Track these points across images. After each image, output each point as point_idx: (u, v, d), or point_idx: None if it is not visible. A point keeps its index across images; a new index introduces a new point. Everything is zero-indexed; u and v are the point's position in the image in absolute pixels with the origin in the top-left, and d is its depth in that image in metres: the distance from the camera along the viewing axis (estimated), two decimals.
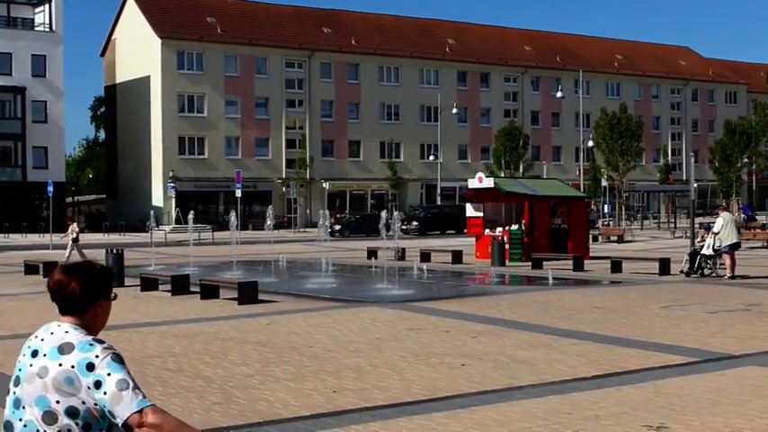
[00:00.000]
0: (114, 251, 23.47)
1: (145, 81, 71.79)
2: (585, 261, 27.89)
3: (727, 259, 23.19)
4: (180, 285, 20.48)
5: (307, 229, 66.55)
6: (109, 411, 3.30)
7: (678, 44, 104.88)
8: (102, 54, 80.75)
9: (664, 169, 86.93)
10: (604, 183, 70.38)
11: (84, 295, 3.52)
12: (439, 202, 72.97)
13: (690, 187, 31.78)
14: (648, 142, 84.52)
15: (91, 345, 3.37)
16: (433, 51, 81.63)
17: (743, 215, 50.85)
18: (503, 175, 64.40)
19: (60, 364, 3.34)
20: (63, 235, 36.84)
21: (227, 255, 32.92)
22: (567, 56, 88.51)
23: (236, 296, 18.55)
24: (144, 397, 3.33)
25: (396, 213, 29.20)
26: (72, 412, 3.32)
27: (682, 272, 23.89)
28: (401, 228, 36.89)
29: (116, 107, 77.83)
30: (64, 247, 33.36)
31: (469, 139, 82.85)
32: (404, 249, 32.59)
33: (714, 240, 23.47)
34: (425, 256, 31.39)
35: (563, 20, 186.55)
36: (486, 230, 32.29)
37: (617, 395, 9.43)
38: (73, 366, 3.32)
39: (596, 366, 11.05)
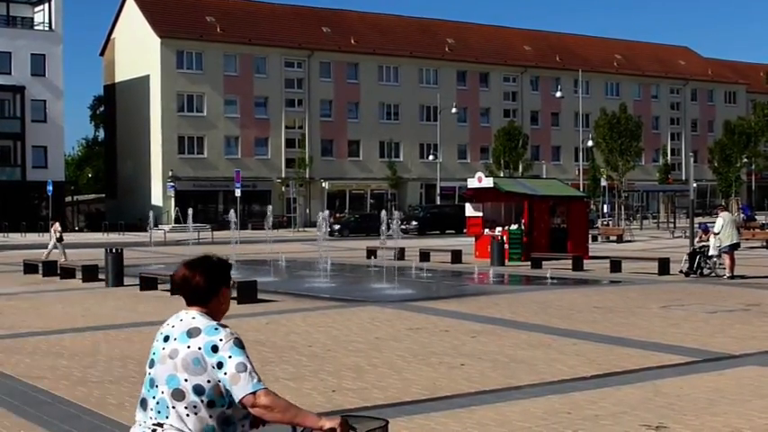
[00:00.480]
0: (113, 250, 23.44)
1: (144, 80, 71.77)
2: (585, 261, 27.89)
3: (726, 259, 23.19)
4: None
5: (306, 229, 66.54)
6: (227, 390, 3.69)
7: (677, 44, 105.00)
8: (102, 53, 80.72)
9: (663, 169, 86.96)
10: (604, 182, 70.39)
11: (208, 287, 3.91)
12: (438, 202, 72.98)
13: (689, 187, 31.77)
14: (648, 142, 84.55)
15: (216, 329, 3.79)
16: (433, 51, 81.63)
17: (742, 215, 50.83)
18: (502, 175, 64.44)
19: (189, 347, 3.74)
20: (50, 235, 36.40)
21: (227, 254, 32.88)
22: (566, 56, 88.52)
23: (236, 295, 18.54)
24: (259, 380, 3.70)
25: (395, 213, 29.20)
26: (198, 390, 3.70)
27: (681, 272, 23.90)
28: (400, 227, 36.92)
29: (115, 106, 77.81)
30: (56, 246, 33.23)
31: (469, 138, 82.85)
32: (403, 249, 32.59)
33: (714, 240, 23.48)
34: (425, 256, 31.40)
35: (562, 20, 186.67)
36: (486, 230, 32.29)
37: (616, 395, 9.43)
38: (200, 348, 3.73)
39: (595, 366, 11.05)
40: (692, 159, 35.60)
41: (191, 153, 70.82)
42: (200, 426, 3.71)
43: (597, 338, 13.22)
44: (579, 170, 74.78)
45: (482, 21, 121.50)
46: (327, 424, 3.76)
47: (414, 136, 79.32)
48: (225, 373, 3.69)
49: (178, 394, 3.72)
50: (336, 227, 58.70)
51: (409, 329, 14.43)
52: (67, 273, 25.64)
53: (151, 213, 40.89)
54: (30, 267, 27.58)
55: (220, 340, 3.73)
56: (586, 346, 12.63)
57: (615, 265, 25.79)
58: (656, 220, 71.91)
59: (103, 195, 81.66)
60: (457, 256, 30.67)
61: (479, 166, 70.72)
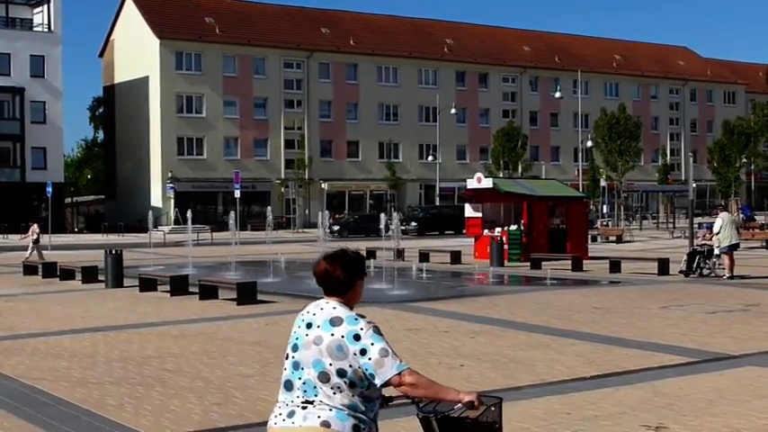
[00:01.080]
0: (113, 252, 23.43)
1: (143, 81, 71.76)
2: (584, 261, 27.89)
3: (725, 259, 23.20)
4: (179, 286, 20.48)
5: (305, 230, 66.53)
6: (370, 374, 4.14)
7: (676, 44, 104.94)
8: (101, 54, 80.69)
9: (662, 169, 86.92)
10: (603, 183, 70.36)
11: (347, 279, 4.35)
12: (438, 203, 72.98)
13: (688, 187, 31.77)
14: (647, 142, 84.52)
15: (356, 319, 4.24)
16: (432, 52, 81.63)
17: (742, 215, 50.85)
18: (501, 176, 64.42)
19: (332, 335, 4.19)
20: (23, 236, 36.31)
21: (226, 255, 32.92)
22: (565, 56, 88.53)
23: (235, 296, 18.55)
24: (401, 362, 4.16)
25: (395, 214, 29.19)
26: (341, 373, 4.16)
27: (681, 272, 23.90)
28: (400, 228, 36.84)
29: (114, 108, 77.79)
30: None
31: (468, 139, 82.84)
32: (403, 250, 32.58)
33: (714, 241, 23.47)
34: (424, 257, 31.40)
35: (561, 20, 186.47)
36: (485, 231, 32.28)
37: (616, 395, 9.43)
38: (342, 336, 4.18)
39: (595, 366, 11.06)
40: (691, 159, 35.61)
41: (190, 154, 70.80)
42: (346, 402, 4.18)
43: (596, 339, 13.23)
44: (578, 170, 74.73)
45: (481, 21, 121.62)
46: (466, 397, 4.25)
47: (413, 137, 79.32)
48: (369, 359, 4.13)
49: (323, 376, 4.19)
50: (336, 228, 58.71)
51: (408, 330, 14.43)
52: (67, 274, 25.64)
53: (150, 214, 40.80)
54: (29, 269, 27.59)
55: (361, 329, 4.19)
56: (585, 346, 12.63)
57: (614, 266, 25.79)
58: (655, 221, 71.90)
59: (103, 197, 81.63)
60: (456, 256, 30.67)
61: (478, 166, 70.70)
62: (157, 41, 70.08)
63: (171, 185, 67.68)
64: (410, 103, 79.59)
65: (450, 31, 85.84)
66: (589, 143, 71.91)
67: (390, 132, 78.59)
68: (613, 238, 46.65)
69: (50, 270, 26.43)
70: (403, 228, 54.54)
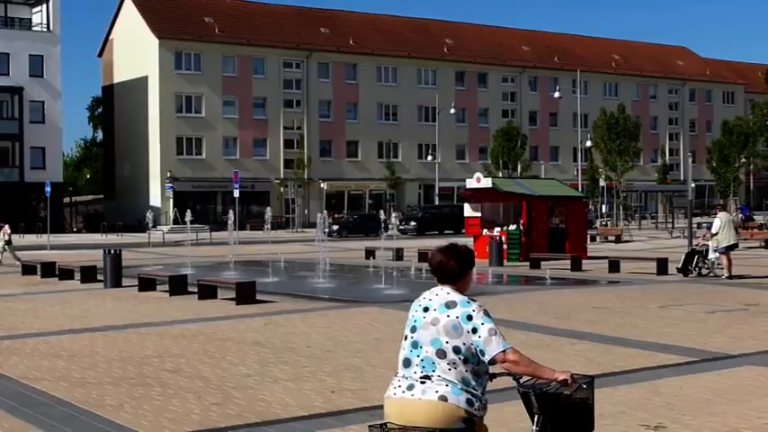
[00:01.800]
0: (112, 251, 23.41)
1: (142, 81, 71.76)
2: (583, 261, 27.87)
3: (724, 259, 23.21)
4: (178, 286, 20.46)
5: (305, 230, 66.53)
6: (480, 350, 4.71)
7: (675, 44, 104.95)
8: (100, 54, 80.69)
9: (661, 169, 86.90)
10: (602, 183, 70.37)
11: (460, 270, 4.95)
12: (437, 203, 72.97)
13: (687, 187, 31.79)
14: (646, 142, 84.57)
15: (468, 302, 4.83)
16: (431, 52, 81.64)
17: (740, 215, 50.85)
18: (501, 176, 64.40)
19: (448, 316, 4.77)
20: None
21: (225, 255, 32.91)
22: (564, 56, 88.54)
23: (234, 296, 18.54)
24: (506, 341, 4.74)
25: (394, 213, 29.19)
26: (456, 350, 4.72)
27: (678, 270, 23.88)
28: (399, 228, 37.02)
29: (114, 107, 77.77)
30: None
31: (467, 139, 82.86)
32: (402, 249, 32.58)
33: (712, 241, 23.46)
34: (423, 257, 31.37)
35: (560, 20, 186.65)
36: (484, 230, 32.28)
37: (615, 395, 9.43)
38: (457, 317, 4.75)
39: (594, 366, 11.05)
40: (690, 159, 35.68)
41: (189, 154, 70.81)
42: (460, 376, 4.70)
43: (596, 338, 13.22)
44: (578, 170, 74.73)
45: (480, 21, 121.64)
46: (561, 376, 4.84)
47: (412, 136, 79.32)
48: (479, 337, 4.71)
49: (441, 353, 4.73)
50: (335, 227, 58.71)
51: None
52: (66, 274, 25.63)
53: (149, 214, 40.81)
54: (28, 269, 27.57)
55: (473, 311, 4.76)
56: (585, 346, 12.63)
57: (614, 266, 25.79)
58: (654, 221, 71.92)
59: (102, 196, 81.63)
60: None
61: (478, 166, 70.66)
62: (156, 41, 70.08)
63: (170, 185, 67.68)
64: (409, 102, 79.60)
65: (449, 31, 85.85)
66: (588, 143, 71.91)
67: (390, 132, 78.59)
68: (612, 238, 46.65)
69: (49, 270, 26.41)
70: (402, 227, 54.61)
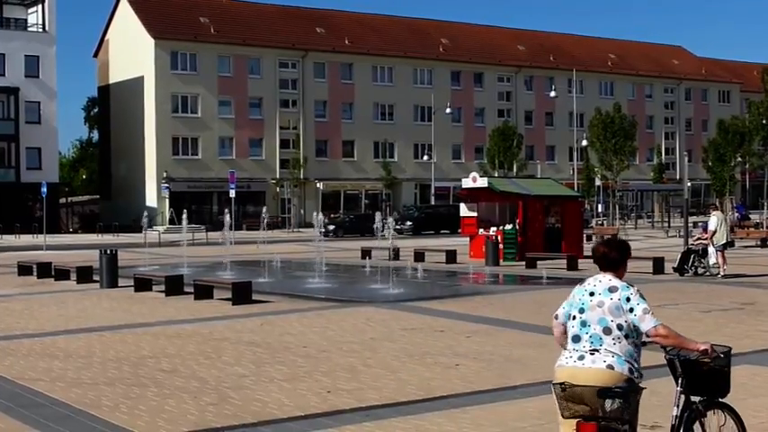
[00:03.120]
0: (108, 252, 23.38)
1: (138, 81, 71.69)
2: (579, 260, 27.89)
3: (719, 258, 23.24)
4: (174, 286, 20.46)
5: (301, 230, 66.51)
6: (636, 326, 5.59)
7: (671, 43, 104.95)
8: (96, 54, 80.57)
9: (657, 168, 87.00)
10: (598, 182, 70.39)
11: (620, 259, 5.86)
12: (433, 202, 72.95)
13: (683, 186, 31.82)
14: (642, 141, 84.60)
15: (627, 287, 5.70)
16: (427, 51, 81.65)
17: (736, 214, 50.90)
18: (497, 175, 64.39)
19: (611, 299, 5.63)
20: None
21: (221, 255, 32.88)
22: (560, 55, 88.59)
23: (230, 296, 18.54)
24: (657, 318, 5.61)
25: (390, 213, 29.19)
26: (619, 327, 5.58)
27: (673, 269, 23.89)
28: (395, 228, 36.99)
29: (109, 108, 77.68)
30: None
31: (463, 138, 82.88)
32: (398, 249, 32.56)
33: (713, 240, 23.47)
34: (419, 256, 31.39)
35: (556, 19, 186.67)
36: (480, 230, 32.28)
37: None
38: (619, 299, 5.62)
39: None
40: (686, 158, 35.75)
41: (185, 154, 70.75)
42: (623, 349, 5.56)
43: None
44: (573, 170, 74.80)
45: (476, 21, 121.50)
46: (702, 346, 5.86)
47: (408, 136, 79.32)
48: (635, 315, 5.58)
49: (607, 330, 5.58)
50: (331, 227, 58.69)
51: (404, 330, 14.43)
52: (62, 274, 25.59)
53: (145, 214, 40.77)
54: (24, 269, 27.53)
55: (631, 294, 5.63)
56: None
57: None
58: (650, 220, 71.98)
59: (98, 197, 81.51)
60: (451, 256, 30.67)
61: (474, 166, 70.67)
62: (152, 41, 70.03)
63: (166, 185, 67.61)
64: (405, 102, 79.60)
65: (445, 31, 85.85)
66: (584, 142, 71.93)
67: (385, 132, 78.59)
68: (608, 238, 46.59)
69: (45, 270, 26.37)
70: (398, 227, 54.59)
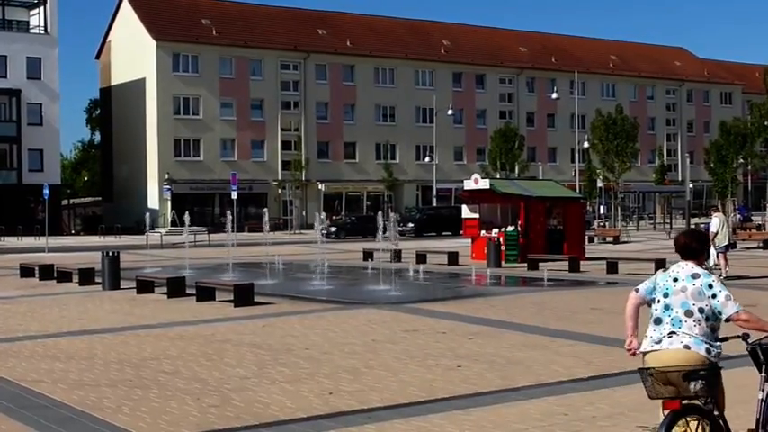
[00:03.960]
0: (110, 254, 23.40)
1: (140, 83, 71.74)
2: (581, 262, 27.90)
3: (721, 259, 23.24)
4: (176, 288, 20.45)
5: (302, 231, 66.49)
6: (718, 311, 6.11)
7: (673, 45, 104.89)
8: (98, 56, 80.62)
9: (659, 170, 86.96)
10: (600, 184, 70.39)
11: (701, 248, 6.40)
12: (435, 204, 72.95)
13: (685, 188, 31.84)
14: (644, 143, 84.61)
15: (708, 275, 6.25)
16: (428, 53, 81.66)
17: (739, 216, 50.87)
18: (498, 177, 64.38)
19: (694, 284, 6.14)
20: None
21: (223, 257, 32.89)
22: (561, 57, 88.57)
23: (232, 298, 18.54)
24: (738, 304, 6.20)
25: (392, 215, 29.18)
26: (701, 310, 6.10)
27: None
28: (397, 229, 36.87)
29: (111, 109, 77.71)
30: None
31: (465, 140, 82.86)
32: (400, 251, 32.56)
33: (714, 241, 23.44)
34: (421, 258, 31.37)
35: (558, 21, 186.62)
36: (482, 232, 32.28)
37: (613, 396, 9.44)
38: (701, 285, 6.14)
39: (593, 367, 11.06)
40: (687, 160, 35.74)
41: (187, 156, 70.78)
42: (702, 331, 6.06)
43: (594, 340, 13.22)
44: (575, 171, 74.76)
45: (477, 22, 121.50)
46: None
47: (410, 138, 79.32)
48: (718, 301, 6.10)
49: (688, 313, 6.09)
50: (333, 229, 58.67)
51: (406, 331, 14.43)
52: (64, 276, 25.60)
53: (147, 216, 40.86)
54: (26, 271, 27.54)
55: (713, 281, 6.19)
56: (583, 347, 12.63)
57: (612, 267, 25.81)
58: (652, 221, 71.94)
59: (100, 198, 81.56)
60: (453, 257, 30.65)
61: (475, 167, 70.67)
62: (154, 43, 70.08)
63: (168, 187, 67.64)
64: (407, 104, 79.61)
65: (446, 33, 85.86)
66: (586, 144, 71.91)
67: (387, 134, 78.60)
68: (610, 239, 46.65)
69: (47, 272, 26.39)
70: (400, 229, 54.56)
